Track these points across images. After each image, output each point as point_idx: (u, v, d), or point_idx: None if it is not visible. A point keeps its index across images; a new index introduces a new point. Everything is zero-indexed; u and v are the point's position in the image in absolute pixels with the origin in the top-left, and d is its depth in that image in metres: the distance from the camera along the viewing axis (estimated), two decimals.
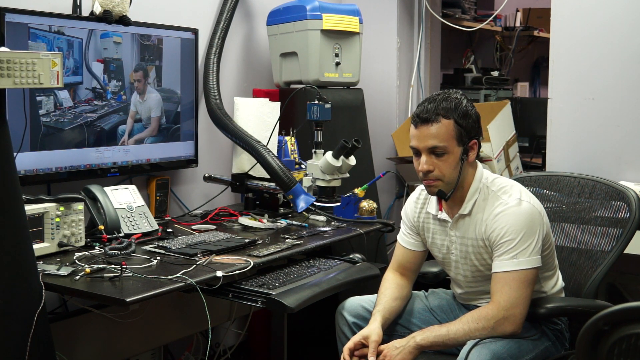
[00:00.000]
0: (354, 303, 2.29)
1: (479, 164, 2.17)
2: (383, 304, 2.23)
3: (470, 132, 2.08)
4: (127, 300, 1.84)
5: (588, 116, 3.15)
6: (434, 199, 2.22)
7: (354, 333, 2.25)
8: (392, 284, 2.29)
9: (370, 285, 2.56)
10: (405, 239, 2.32)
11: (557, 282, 2.24)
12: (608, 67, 3.08)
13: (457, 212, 2.15)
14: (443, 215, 2.20)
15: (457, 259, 2.20)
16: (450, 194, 2.11)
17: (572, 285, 2.32)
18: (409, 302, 2.34)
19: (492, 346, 2.00)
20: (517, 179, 2.35)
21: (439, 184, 2.09)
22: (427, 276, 2.45)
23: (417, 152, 2.09)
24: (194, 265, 2.12)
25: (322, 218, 2.84)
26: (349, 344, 2.12)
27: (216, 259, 2.22)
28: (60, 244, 2.22)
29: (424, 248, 2.32)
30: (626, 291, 3.27)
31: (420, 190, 2.31)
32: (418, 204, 2.29)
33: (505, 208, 2.07)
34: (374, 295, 2.32)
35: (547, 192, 2.51)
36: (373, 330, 2.12)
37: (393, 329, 2.28)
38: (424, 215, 2.27)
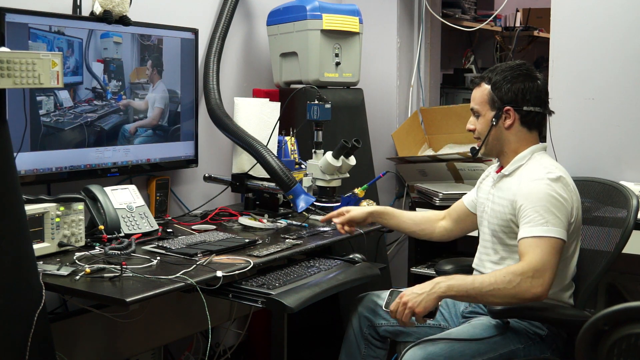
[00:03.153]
0: (369, 298, 2.40)
1: (541, 145, 2.25)
2: (394, 209, 2.54)
3: (504, 98, 2.18)
4: (127, 300, 1.84)
5: (588, 116, 3.15)
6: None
7: (361, 326, 2.34)
8: (427, 213, 2.57)
9: (371, 285, 2.56)
10: (467, 196, 2.48)
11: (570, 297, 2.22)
12: (608, 67, 3.08)
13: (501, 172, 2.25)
14: (495, 175, 2.29)
15: (486, 216, 2.27)
16: (477, 152, 2.28)
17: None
18: None
19: (430, 347, 2.01)
20: None
21: (478, 143, 2.28)
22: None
23: None
24: (194, 265, 2.12)
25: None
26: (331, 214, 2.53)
27: (216, 259, 2.22)
28: (60, 244, 2.22)
29: (475, 211, 2.41)
30: (626, 291, 3.26)
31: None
32: (491, 170, 2.38)
33: (546, 177, 2.10)
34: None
35: None
36: (355, 208, 2.52)
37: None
38: (487, 177, 2.38)
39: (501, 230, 2.18)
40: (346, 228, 2.49)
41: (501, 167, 2.28)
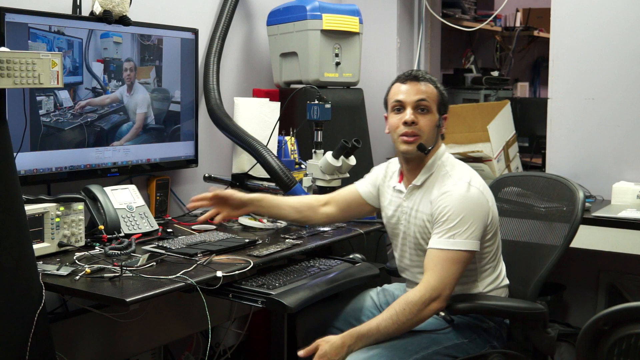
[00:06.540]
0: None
1: (443, 145, 2.22)
2: (273, 196, 2.44)
3: (446, 106, 2.19)
4: (127, 300, 1.84)
5: (588, 116, 3.15)
6: (396, 172, 2.28)
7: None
8: (307, 198, 2.47)
9: (370, 285, 2.56)
10: (362, 185, 2.38)
11: (495, 281, 2.20)
12: (608, 67, 3.09)
13: (411, 183, 2.19)
14: (400, 186, 2.24)
15: (405, 229, 2.22)
16: (430, 150, 2.14)
17: (522, 279, 2.32)
18: (359, 301, 2.36)
19: (372, 351, 1.99)
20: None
21: (417, 140, 2.13)
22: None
23: (400, 108, 2.15)
24: (194, 265, 2.12)
25: None
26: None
27: (216, 259, 2.22)
28: (60, 244, 2.22)
29: (371, 207, 2.37)
30: (626, 291, 3.27)
31: (389, 162, 2.36)
32: (388, 173, 2.34)
33: (453, 189, 2.08)
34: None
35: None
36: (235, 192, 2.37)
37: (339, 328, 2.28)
38: (386, 184, 2.31)
39: (427, 244, 2.13)
40: (218, 218, 2.34)
41: (402, 176, 2.23)
